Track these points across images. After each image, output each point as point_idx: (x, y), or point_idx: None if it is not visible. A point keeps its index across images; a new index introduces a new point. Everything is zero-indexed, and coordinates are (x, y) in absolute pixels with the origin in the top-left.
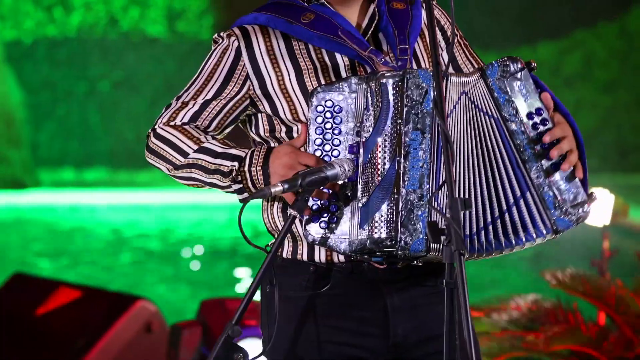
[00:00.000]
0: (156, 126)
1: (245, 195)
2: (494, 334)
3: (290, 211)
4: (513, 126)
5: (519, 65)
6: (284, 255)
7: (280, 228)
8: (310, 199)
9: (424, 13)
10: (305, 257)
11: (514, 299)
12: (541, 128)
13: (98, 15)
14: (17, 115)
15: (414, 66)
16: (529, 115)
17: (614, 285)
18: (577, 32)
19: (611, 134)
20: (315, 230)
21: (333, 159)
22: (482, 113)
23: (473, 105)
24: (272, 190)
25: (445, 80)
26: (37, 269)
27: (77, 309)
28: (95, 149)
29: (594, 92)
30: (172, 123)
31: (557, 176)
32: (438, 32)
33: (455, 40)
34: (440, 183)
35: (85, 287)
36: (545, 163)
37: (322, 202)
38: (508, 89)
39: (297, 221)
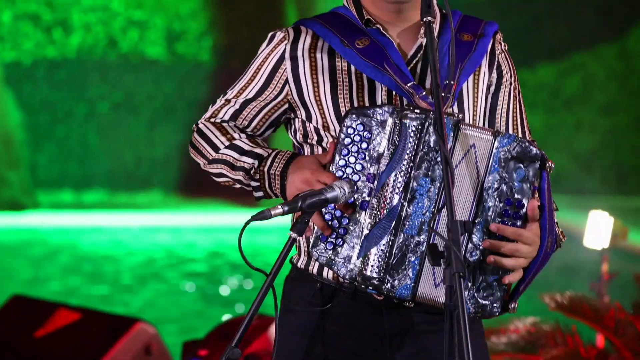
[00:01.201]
0: (199, 121)
1: (261, 194)
2: (493, 356)
3: (290, 233)
4: (485, 196)
5: (533, 153)
6: (298, 264)
7: (300, 239)
8: (329, 214)
9: (490, 46)
10: (315, 272)
11: (513, 321)
12: (507, 221)
13: (97, 36)
14: (16, 136)
15: (456, 105)
16: (507, 202)
17: (613, 308)
18: (576, 54)
19: (610, 156)
20: (321, 250)
21: (360, 186)
22: (475, 170)
23: (475, 161)
24: (272, 212)
25: (457, 128)
26: (35, 291)
27: (77, 331)
28: (94, 170)
29: (593, 114)
30: (212, 120)
31: (489, 266)
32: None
33: (505, 89)
34: (440, 206)
35: (84, 309)
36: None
37: (332, 223)
38: (506, 166)
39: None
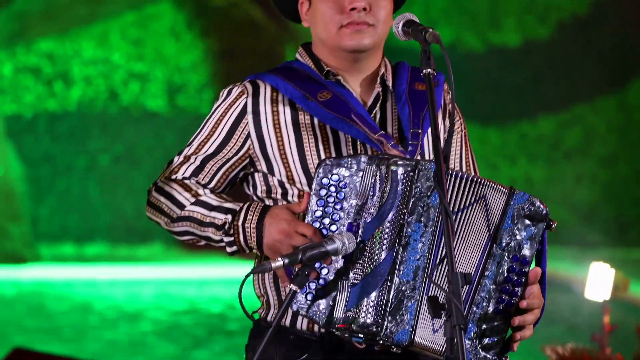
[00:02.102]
0: (158, 180)
1: (235, 248)
2: None
3: (291, 286)
4: (495, 250)
5: (543, 213)
6: (268, 318)
7: (269, 293)
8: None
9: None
10: (287, 324)
11: None
12: (513, 277)
13: (98, 89)
14: (17, 189)
15: (426, 153)
16: (514, 258)
17: None
18: (576, 106)
19: (611, 208)
20: (301, 300)
21: (332, 233)
22: (485, 220)
23: (485, 212)
24: (273, 265)
25: (465, 180)
26: (37, 344)
27: None
28: (95, 223)
29: (594, 166)
30: (173, 177)
31: (496, 317)
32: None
33: (457, 135)
34: (441, 257)
35: None
36: (495, 296)
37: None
38: (518, 222)
39: (286, 288)
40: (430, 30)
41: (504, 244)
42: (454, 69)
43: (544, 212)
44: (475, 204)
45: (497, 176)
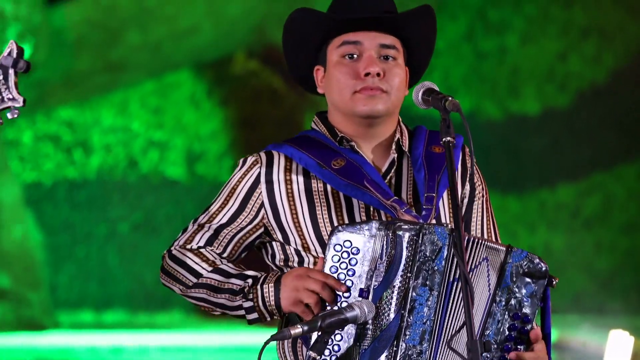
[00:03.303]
0: (172, 248)
1: (255, 315)
2: None
3: (310, 353)
4: (495, 309)
5: (543, 269)
6: None
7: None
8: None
9: (460, 158)
10: None
11: None
12: (515, 335)
13: (118, 157)
14: (37, 256)
15: (442, 217)
16: (515, 316)
17: None
18: (596, 174)
19: (631, 275)
20: None
21: (351, 301)
22: (487, 281)
23: (487, 273)
24: (292, 332)
25: (472, 243)
26: None
27: None
28: (114, 290)
29: (613, 234)
30: (188, 246)
31: None
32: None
33: (479, 201)
34: (460, 325)
35: None
36: (497, 355)
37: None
38: (517, 280)
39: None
40: (450, 98)
41: (503, 302)
42: (474, 136)
43: (544, 268)
44: (479, 266)
45: (516, 244)
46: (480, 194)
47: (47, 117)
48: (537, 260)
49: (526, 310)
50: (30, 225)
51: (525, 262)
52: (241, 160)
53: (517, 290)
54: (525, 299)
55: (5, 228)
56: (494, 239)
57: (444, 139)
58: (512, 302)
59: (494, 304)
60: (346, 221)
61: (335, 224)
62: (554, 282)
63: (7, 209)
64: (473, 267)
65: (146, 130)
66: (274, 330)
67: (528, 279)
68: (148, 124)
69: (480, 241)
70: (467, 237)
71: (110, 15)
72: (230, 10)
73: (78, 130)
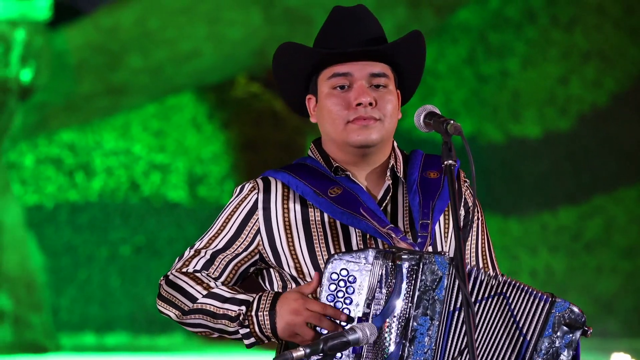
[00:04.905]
0: (169, 273)
1: (252, 340)
2: None
3: None
4: (536, 357)
5: (582, 320)
6: None
7: None
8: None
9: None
10: None
11: None
12: None
13: (119, 180)
14: (38, 279)
15: (438, 243)
16: None
17: None
18: (596, 197)
19: (632, 298)
20: None
21: (352, 324)
22: (516, 325)
23: (510, 313)
24: (294, 355)
25: (513, 287)
26: None
27: None
28: (116, 313)
29: (614, 257)
30: (184, 270)
31: None
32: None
33: (477, 226)
34: (452, 351)
35: None
36: None
37: None
38: (558, 330)
39: None
40: (452, 122)
41: (543, 352)
42: (475, 160)
43: (583, 319)
44: (492, 298)
45: (518, 267)
46: (475, 218)
47: (49, 140)
48: (577, 310)
49: (562, 359)
50: (32, 248)
51: (567, 313)
52: (239, 188)
53: (557, 340)
54: (562, 349)
55: (7, 250)
56: (489, 264)
57: (445, 162)
58: (551, 351)
59: (535, 353)
60: (343, 250)
61: (332, 252)
62: (589, 332)
63: (9, 231)
64: (486, 297)
65: (148, 153)
66: (273, 353)
67: (567, 329)
68: (150, 147)
69: (523, 287)
70: (511, 281)
71: (112, 38)
72: (231, 34)
73: (80, 153)
